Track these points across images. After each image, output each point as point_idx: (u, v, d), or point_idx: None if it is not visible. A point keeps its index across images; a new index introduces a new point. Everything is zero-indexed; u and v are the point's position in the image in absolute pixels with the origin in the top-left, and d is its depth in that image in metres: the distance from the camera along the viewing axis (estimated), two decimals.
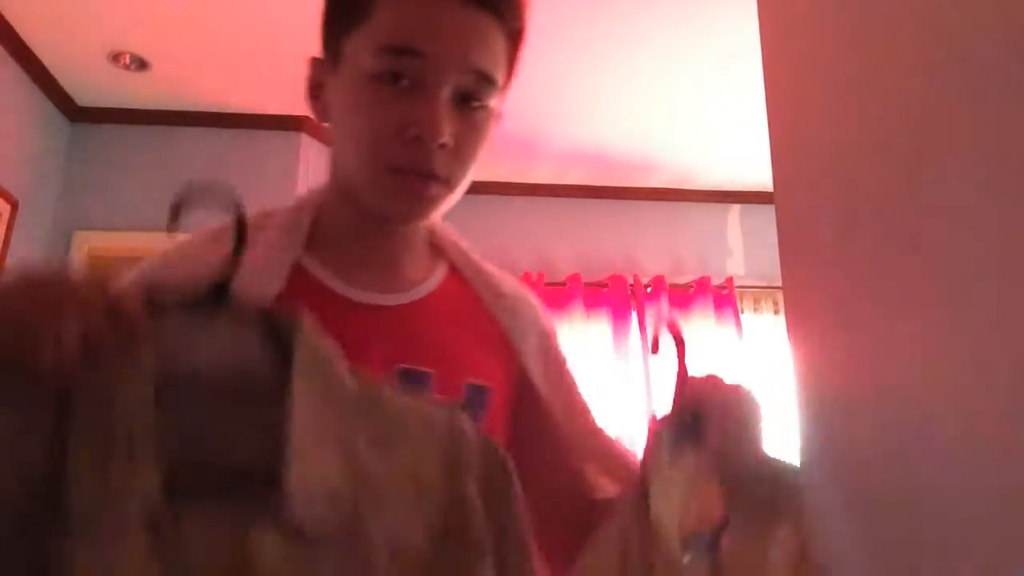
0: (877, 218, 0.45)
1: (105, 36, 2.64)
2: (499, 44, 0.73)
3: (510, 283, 0.87)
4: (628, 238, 3.44)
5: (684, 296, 3.24)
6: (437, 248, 0.85)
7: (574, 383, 0.87)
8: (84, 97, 3.04)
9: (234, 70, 2.83)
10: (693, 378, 0.67)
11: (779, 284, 0.61)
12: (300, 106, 3.53)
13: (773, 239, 0.63)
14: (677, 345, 0.66)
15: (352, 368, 0.52)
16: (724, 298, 3.27)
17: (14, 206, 2.68)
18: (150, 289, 0.49)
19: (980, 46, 0.35)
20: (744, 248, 3.60)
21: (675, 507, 0.58)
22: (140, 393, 0.44)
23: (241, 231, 0.50)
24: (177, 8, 2.49)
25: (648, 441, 0.66)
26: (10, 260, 2.66)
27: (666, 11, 2.35)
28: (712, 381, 0.67)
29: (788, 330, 0.60)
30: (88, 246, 2.90)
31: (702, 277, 3.30)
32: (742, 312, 3.33)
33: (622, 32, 2.43)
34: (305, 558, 0.44)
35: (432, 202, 0.74)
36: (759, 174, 3.39)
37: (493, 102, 0.74)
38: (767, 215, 0.74)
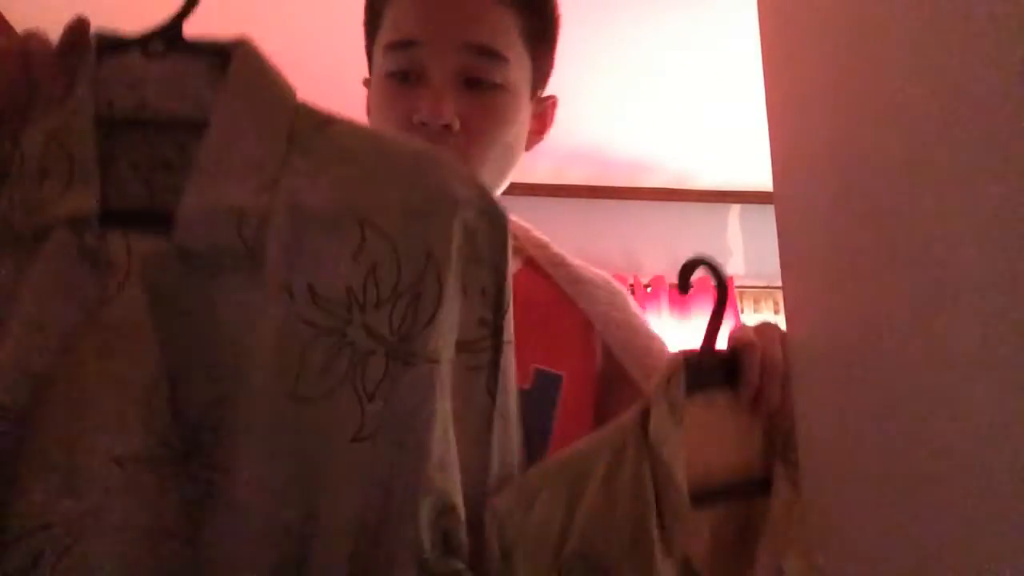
0: (877, 218, 0.45)
1: None
2: (504, 19, 0.72)
3: (592, 272, 0.84)
4: (628, 238, 3.44)
5: (684, 296, 3.25)
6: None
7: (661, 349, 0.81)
8: None
9: None
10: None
11: (779, 284, 0.61)
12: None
13: (773, 239, 0.63)
14: (717, 281, 0.59)
15: (301, 100, 0.48)
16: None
17: None
18: (104, 32, 0.48)
19: (981, 46, 0.35)
20: (744, 248, 3.60)
21: (680, 447, 0.51)
22: (81, 125, 0.43)
23: None
24: (177, 8, 2.49)
25: (665, 367, 0.58)
26: None
27: (666, 11, 2.35)
28: (756, 327, 0.62)
29: (788, 330, 0.60)
30: None
31: (702, 277, 3.30)
32: (742, 312, 3.33)
33: (622, 32, 2.43)
34: (195, 279, 0.41)
35: None
36: (759, 174, 3.39)
37: (512, 78, 0.72)
38: (767, 215, 0.74)
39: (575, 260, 0.84)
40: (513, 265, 0.82)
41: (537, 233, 0.86)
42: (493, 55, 0.71)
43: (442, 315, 0.44)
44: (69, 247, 0.41)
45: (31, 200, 0.42)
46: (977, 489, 0.36)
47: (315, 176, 0.44)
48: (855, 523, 0.49)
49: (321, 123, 0.47)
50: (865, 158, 0.47)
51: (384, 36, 0.74)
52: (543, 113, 0.84)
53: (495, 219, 0.49)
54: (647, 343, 0.79)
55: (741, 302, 3.37)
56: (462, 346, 0.46)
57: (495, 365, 0.47)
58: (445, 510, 0.41)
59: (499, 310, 0.47)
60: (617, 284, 0.84)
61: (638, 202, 3.50)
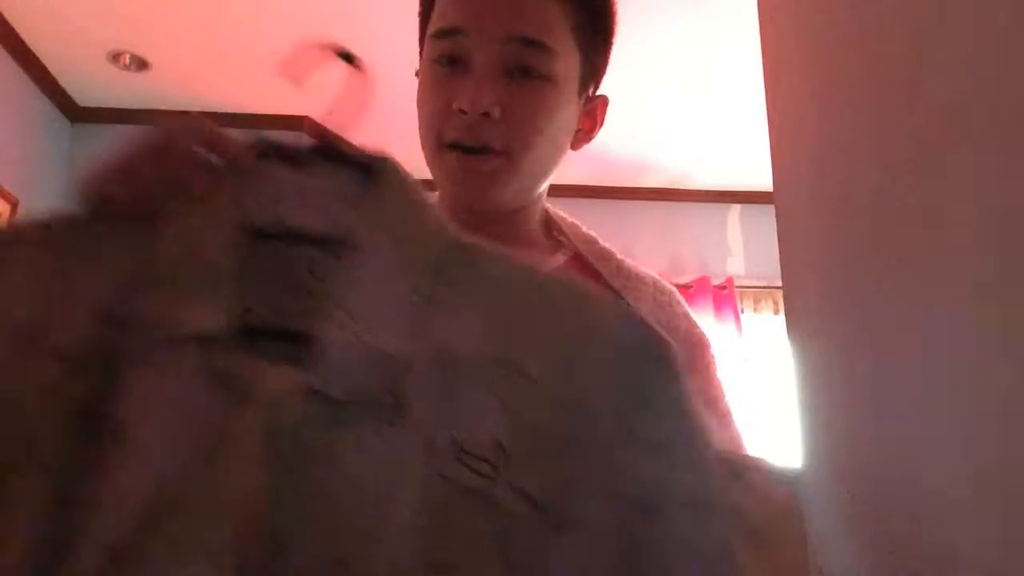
0: (877, 218, 0.45)
1: (105, 36, 2.64)
2: (551, 11, 0.72)
3: (640, 270, 0.83)
4: (627, 238, 3.43)
5: (684, 296, 3.24)
6: (555, 238, 0.84)
7: (710, 380, 0.78)
8: (84, 97, 3.04)
9: (234, 70, 2.83)
10: None
11: (779, 284, 0.61)
12: (300, 106, 3.51)
13: (773, 239, 0.63)
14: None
15: (448, 219, 0.45)
16: (724, 298, 3.27)
17: (14, 206, 2.68)
18: (257, 138, 0.46)
19: (981, 45, 0.35)
20: (744, 248, 3.60)
21: None
22: (221, 235, 0.42)
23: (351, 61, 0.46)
24: (177, 8, 2.49)
25: None
26: None
27: (666, 11, 2.35)
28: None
29: (788, 330, 0.60)
30: None
31: (702, 277, 3.30)
32: (742, 312, 3.33)
33: (621, 32, 2.43)
34: (330, 421, 0.38)
35: (493, 177, 0.72)
36: (759, 174, 3.39)
37: (557, 71, 0.72)
38: (767, 215, 0.74)
39: (623, 257, 0.83)
40: (559, 258, 0.80)
41: (585, 229, 0.85)
42: (538, 46, 0.71)
43: (600, 475, 0.39)
44: (198, 367, 0.38)
45: (162, 310, 0.40)
46: (977, 490, 0.36)
47: (462, 311, 0.41)
48: (854, 526, 0.49)
49: (467, 250, 0.44)
50: (865, 158, 0.47)
51: (434, 23, 0.74)
52: (593, 112, 0.82)
53: (661, 356, 0.42)
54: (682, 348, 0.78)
55: (741, 302, 3.37)
56: (635, 503, 0.40)
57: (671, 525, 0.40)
58: None
59: (671, 455, 0.40)
60: (664, 284, 0.84)
61: (637, 202, 3.50)
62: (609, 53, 0.81)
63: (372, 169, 0.48)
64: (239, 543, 0.35)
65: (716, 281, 3.34)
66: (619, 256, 0.83)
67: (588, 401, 0.39)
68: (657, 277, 0.84)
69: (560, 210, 0.87)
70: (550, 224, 0.85)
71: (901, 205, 0.42)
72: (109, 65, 2.81)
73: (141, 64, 2.81)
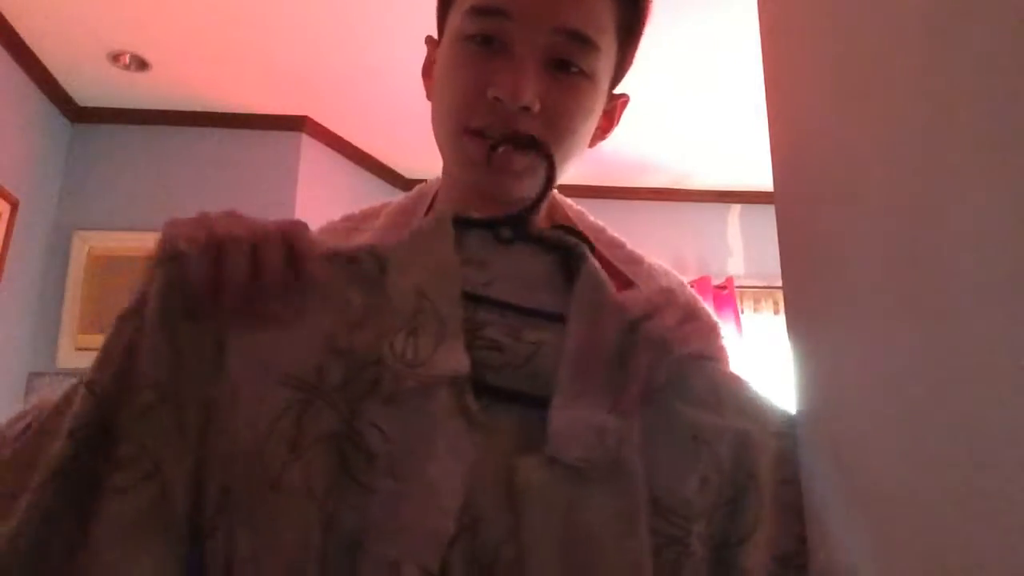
0: (877, 218, 0.45)
1: (105, 36, 2.64)
2: (600, 4, 0.68)
3: (651, 259, 0.82)
4: (628, 238, 3.44)
5: None
6: (561, 225, 0.81)
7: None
8: (84, 97, 3.04)
9: (234, 70, 2.83)
10: None
11: (779, 284, 0.61)
12: (300, 106, 3.55)
13: (773, 239, 0.62)
14: None
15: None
16: (724, 298, 3.27)
17: (14, 206, 2.68)
18: (450, 213, 0.51)
19: (982, 44, 0.35)
20: (744, 248, 3.60)
21: None
22: (451, 289, 0.47)
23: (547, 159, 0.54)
24: (177, 8, 2.49)
25: None
26: (10, 260, 2.66)
27: (666, 10, 2.35)
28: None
29: (788, 330, 0.60)
30: (88, 246, 2.90)
31: (702, 277, 3.31)
32: (742, 312, 3.33)
33: None
34: (567, 483, 0.44)
35: (522, 174, 0.68)
36: (759, 174, 3.40)
37: (597, 68, 0.68)
38: (767, 215, 0.74)
39: (653, 261, 0.81)
40: None
41: (592, 218, 0.83)
42: (585, 41, 0.67)
43: (760, 532, 0.48)
44: (453, 404, 0.43)
45: (410, 353, 0.44)
46: (979, 491, 0.36)
47: (656, 401, 0.48)
48: (854, 523, 0.49)
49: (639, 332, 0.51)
50: (865, 158, 0.47)
51: None
52: (612, 110, 0.80)
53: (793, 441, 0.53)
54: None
55: (741, 302, 3.38)
56: (783, 560, 0.48)
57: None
58: None
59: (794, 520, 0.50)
60: (675, 276, 0.82)
61: (638, 202, 3.50)
62: (636, 48, 0.77)
63: (571, 255, 0.54)
64: (502, 510, 0.41)
65: (716, 281, 3.34)
66: (648, 262, 0.81)
67: (753, 475, 0.49)
68: (666, 268, 0.83)
69: (586, 212, 0.86)
70: (554, 211, 0.82)
71: (901, 204, 0.42)
72: (109, 65, 2.81)
73: (141, 64, 2.81)
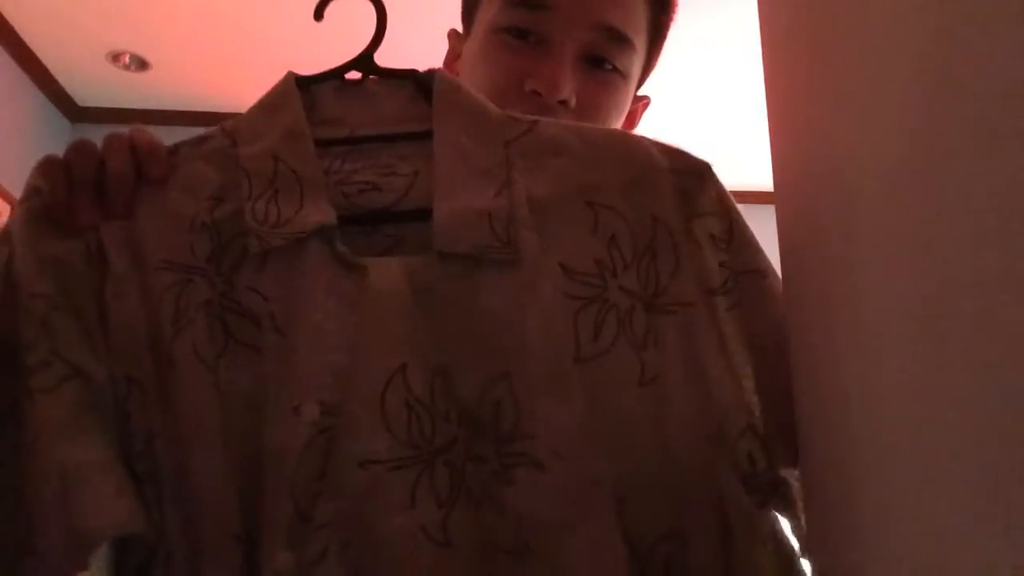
0: (877, 218, 0.45)
1: (105, 36, 2.64)
2: (637, 4, 0.68)
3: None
4: None
5: None
6: None
7: None
8: (84, 97, 3.04)
9: (234, 70, 2.83)
10: None
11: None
12: None
13: (773, 239, 0.62)
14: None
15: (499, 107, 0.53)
16: None
17: (14, 206, 2.68)
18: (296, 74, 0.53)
19: (983, 44, 0.35)
20: None
21: None
22: (303, 148, 0.49)
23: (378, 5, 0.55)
24: (177, 8, 2.49)
25: None
26: None
27: None
28: None
29: (788, 330, 0.60)
30: None
31: None
32: None
33: None
34: (465, 274, 0.45)
35: None
36: (759, 174, 3.40)
37: (631, 67, 0.68)
38: (767, 215, 0.74)
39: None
40: None
41: None
42: (623, 39, 0.67)
43: (683, 266, 0.48)
44: (324, 254, 0.44)
45: (273, 215, 0.46)
46: (979, 490, 0.36)
47: (537, 171, 0.49)
48: (854, 523, 0.49)
49: (527, 125, 0.52)
50: (865, 158, 0.47)
51: None
52: (634, 112, 0.79)
53: (700, 173, 0.52)
54: None
55: None
56: (714, 292, 0.49)
57: (739, 304, 0.50)
58: (745, 431, 0.46)
59: (731, 245, 0.51)
60: None
61: None
62: (661, 50, 0.77)
63: (424, 82, 0.54)
64: (416, 380, 0.42)
65: None
66: None
67: (656, 216, 0.49)
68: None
69: None
70: None
71: (902, 205, 0.42)
72: (109, 65, 2.81)
73: (141, 64, 2.81)
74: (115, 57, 2.74)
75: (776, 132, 0.64)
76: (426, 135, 0.50)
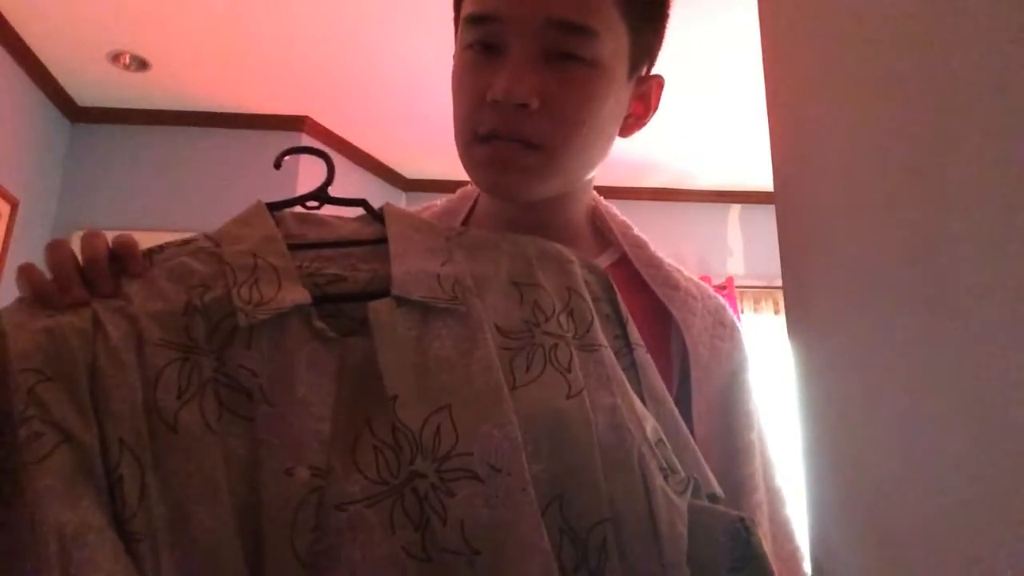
0: (877, 218, 0.45)
1: (105, 36, 2.64)
2: None
3: (692, 281, 0.79)
4: None
5: None
6: (604, 236, 0.80)
7: (748, 414, 0.75)
8: (84, 97, 3.04)
9: (234, 70, 2.83)
10: None
11: (779, 284, 0.61)
12: (300, 106, 3.54)
13: (773, 239, 0.63)
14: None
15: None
16: (724, 298, 3.28)
17: (14, 206, 2.68)
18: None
19: (982, 45, 0.35)
20: (744, 248, 3.60)
21: None
22: (277, 247, 0.57)
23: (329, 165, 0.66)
24: (177, 8, 2.49)
25: None
26: (10, 260, 2.66)
27: None
28: None
29: (788, 330, 0.60)
30: None
31: (702, 277, 3.31)
32: (742, 312, 3.33)
33: None
34: (415, 319, 0.53)
35: (529, 172, 0.67)
36: (759, 174, 3.40)
37: (600, 54, 0.66)
38: (767, 215, 0.74)
39: (671, 264, 0.79)
40: (604, 260, 0.76)
41: (636, 231, 0.81)
42: (580, 29, 0.65)
43: (595, 323, 0.57)
44: (304, 331, 0.51)
45: (256, 296, 0.52)
46: (979, 489, 0.36)
47: (473, 259, 0.59)
48: (854, 523, 0.49)
49: (463, 229, 0.63)
50: (865, 158, 0.47)
51: (468, 6, 0.69)
52: (646, 94, 0.76)
53: (597, 271, 0.63)
54: (724, 369, 0.74)
55: (741, 302, 3.38)
56: (615, 353, 0.58)
57: (634, 365, 0.58)
58: (659, 439, 0.52)
59: (622, 325, 0.60)
60: (714, 300, 0.79)
61: (638, 202, 3.50)
62: (663, 28, 0.74)
63: (373, 209, 0.65)
64: (380, 426, 0.48)
65: (716, 281, 3.34)
66: (668, 264, 0.78)
67: (570, 287, 0.59)
68: (709, 291, 0.79)
69: (615, 208, 0.83)
70: (598, 219, 0.81)
71: (902, 205, 0.42)
72: (109, 65, 2.81)
73: (141, 64, 2.81)
74: (115, 57, 2.74)
75: (776, 132, 0.64)
76: (382, 242, 0.59)
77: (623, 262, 0.77)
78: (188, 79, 2.91)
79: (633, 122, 0.77)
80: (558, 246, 0.63)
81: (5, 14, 2.54)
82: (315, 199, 0.65)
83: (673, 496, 0.48)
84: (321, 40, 2.60)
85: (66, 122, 3.08)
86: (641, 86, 0.74)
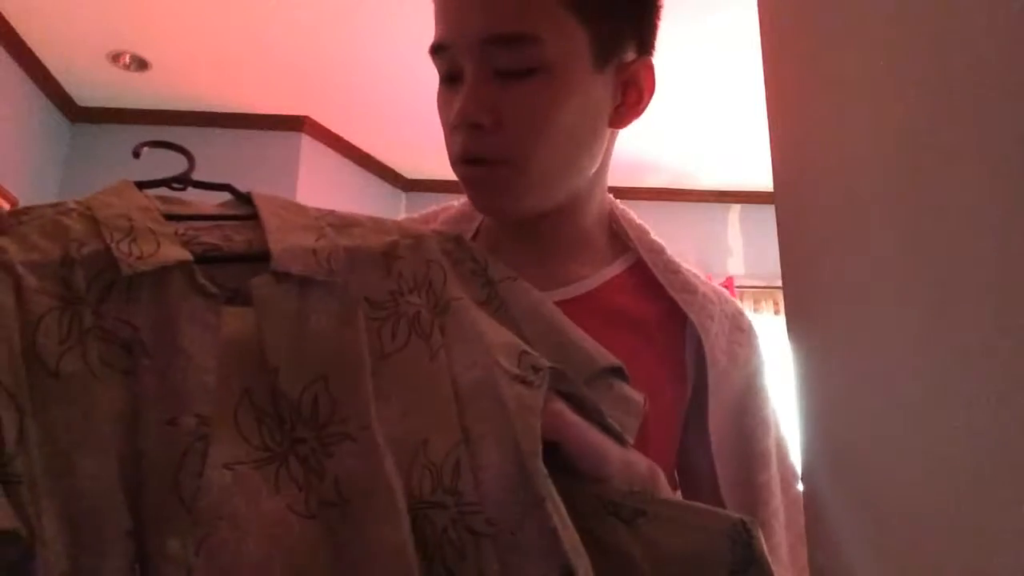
0: (877, 218, 0.45)
1: (105, 36, 2.64)
2: None
3: (710, 286, 0.78)
4: None
5: None
6: (620, 240, 0.79)
7: (765, 419, 0.74)
8: (84, 97, 3.04)
9: (234, 70, 2.83)
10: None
11: (779, 284, 0.61)
12: (300, 106, 3.54)
13: (773, 239, 0.63)
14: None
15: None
16: None
17: (14, 206, 2.68)
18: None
19: (983, 46, 0.35)
20: (744, 248, 3.60)
21: None
22: (154, 215, 0.57)
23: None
24: (177, 8, 2.49)
25: None
26: None
27: (666, 10, 2.35)
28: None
29: (788, 330, 0.60)
30: None
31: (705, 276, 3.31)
32: None
33: None
34: (296, 293, 0.54)
35: (504, 188, 0.68)
36: (759, 174, 3.40)
37: (548, 56, 0.65)
38: (767, 215, 0.74)
39: (688, 269, 0.78)
40: (619, 265, 0.76)
41: (653, 235, 0.80)
42: (518, 38, 0.64)
43: (451, 282, 0.61)
44: (186, 287, 0.51)
45: (136, 251, 0.52)
46: (980, 491, 0.36)
47: (342, 235, 0.61)
48: (854, 522, 0.49)
49: (326, 211, 0.65)
50: (865, 158, 0.47)
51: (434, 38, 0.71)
52: (631, 80, 0.73)
53: (452, 237, 0.66)
54: (741, 373, 0.74)
55: (741, 302, 3.37)
56: (481, 304, 0.62)
57: (501, 301, 0.62)
58: (522, 354, 0.56)
59: (484, 271, 0.64)
60: (731, 304, 0.78)
61: (638, 202, 3.49)
62: (639, 10, 0.73)
63: (241, 193, 0.67)
64: (260, 396, 0.50)
65: (716, 281, 3.32)
66: (686, 269, 0.77)
67: (429, 260, 0.62)
68: (725, 295, 0.79)
69: (632, 212, 0.83)
70: (614, 223, 0.80)
71: (901, 204, 0.42)
72: (109, 65, 2.81)
73: (141, 64, 2.81)
74: (115, 57, 2.74)
75: (776, 132, 0.64)
76: (253, 217, 0.61)
77: (639, 267, 0.77)
78: (188, 79, 2.91)
79: (627, 110, 0.75)
80: (415, 225, 0.67)
81: (5, 14, 2.54)
82: (179, 182, 0.67)
83: (525, 391, 0.53)
84: (321, 40, 2.60)
85: (66, 122, 3.08)
86: (623, 73, 0.72)
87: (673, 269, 0.76)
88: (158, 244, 0.53)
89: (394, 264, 0.61)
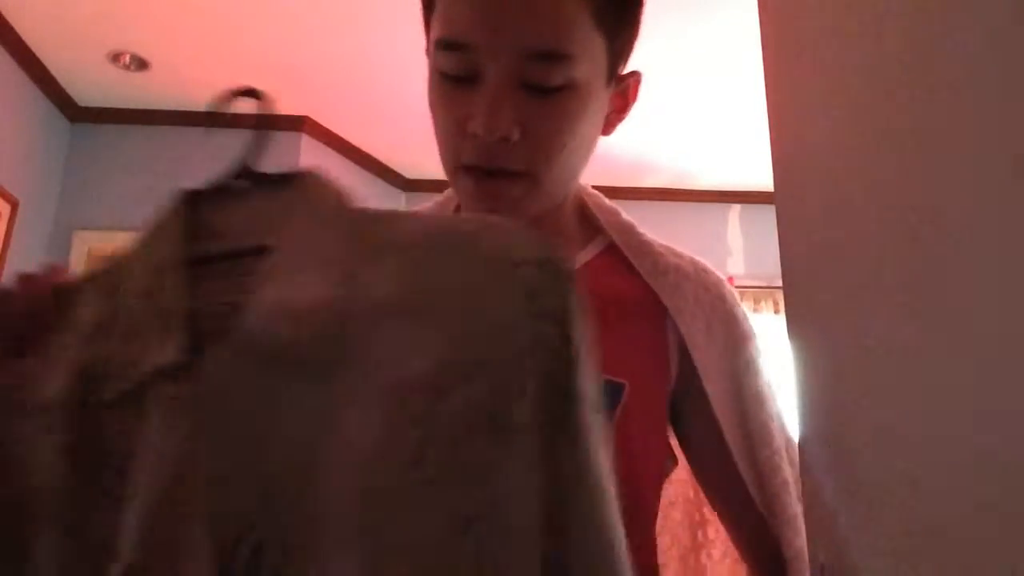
0: (877, 218, 0.45)
1: (105, 36, 2.64)
2: (566, 11, 0.63)
3: (684, 259, 0.76)
4: None
5: None
6: (592, 224, 0.78)
7: (759, 393, 0.74)
8: (84, 97, 3.04)
9: (234, 70, 2.83)
10: None
11: (779, 284, 0.61)
12: (300, 106, 3.54)
13: (773, 239, 0.63)
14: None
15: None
16: None
17: (14, 206, 2.68)
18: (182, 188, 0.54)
19: (981, 45, 0.35)
20: (744, 248, 3.60)
21: None
22: (174, 280, 0.48)
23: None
24: (177, 8, 2.49)
25: None
26: (10, 260, 2.66)
27: (666, 10, 2.35)
28: None
29: (788, 330, 0.60)
30: (88, 246, 2.91)
31: None
32: None
33: None
34: (256, 375, 0.42)
35: (516, 200, 0.67)
36: (759, 174, 3.40)
37: (578, 73, 0.64)
38: (767, 215, 0.74)
39: (663, 246, 0.77)
40: (590, 251, 0.75)
41: (624, 216, 0.79)
42: (556, 57, 0.63)
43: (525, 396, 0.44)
44: (164, 401, 0.43)
45: (125, 357, 0.45)
46: (981, 489, 0.36)
47: (380, 263, 0.45)
48: (856, 523, 0.49)
49: (377, 215, 0.50)
50: (865, 158, 0.47)
51: (437, 28, 0.66)
52: (623, 91, 0.74)
53: (557, 272, 0.46)
54: (728, 344, 0.74)
55: (741, 302, 3.37)
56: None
57: (574, 434, 0.45)
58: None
59: (566, 360, 0.45)
60: (709, 276, 0.77)
61: (638, 202, 3.50)
62: (636, 27, 0.72)
63: (292, 181, 0.55)
64: (186, 491, 0.41)
65: None
66: (658, 245, 0.76)
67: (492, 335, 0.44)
68: (703, 266, 0.77)
69: (601, 195, 0.82)
70: (585, 210, 0.79)
71: (900, 204, 0.42)
72: (109, 65, 2.81)
73: (141, 64, 2.81)
74: (115, 57, 2.74)
75: (776, 132, 0.64)
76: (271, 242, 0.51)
77: (611, 250, 0.76)
78: (188, 79, 2.91)
79: (614, 118, 0.75)
80: (509, 235, 0.47)
81: (5, 14, 2.54)
82: (244, 175, 0.60)
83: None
84: (321, 40, 2.60)
85: (66, 122, 3.08)
86: (619, 85, 0.73)
87: (644, 250, 0.75)
88: (158, 339, 0.45)
89: (453, 325, 0.43)
